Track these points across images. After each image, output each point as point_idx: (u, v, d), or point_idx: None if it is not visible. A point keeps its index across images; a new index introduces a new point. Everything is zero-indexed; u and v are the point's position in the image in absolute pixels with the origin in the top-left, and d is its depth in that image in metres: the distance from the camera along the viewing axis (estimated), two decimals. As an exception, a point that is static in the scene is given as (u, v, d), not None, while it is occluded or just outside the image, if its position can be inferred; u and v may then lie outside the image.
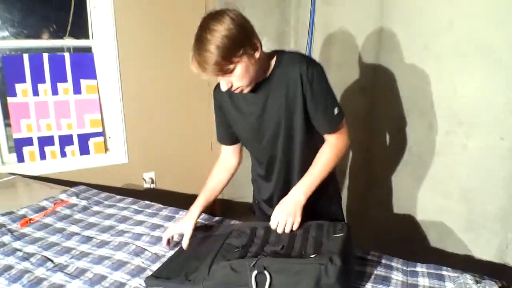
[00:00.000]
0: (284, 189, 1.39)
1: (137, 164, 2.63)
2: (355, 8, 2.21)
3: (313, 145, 1.37)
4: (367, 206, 2.29)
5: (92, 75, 2.42)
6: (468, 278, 1.12)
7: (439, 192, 1.92)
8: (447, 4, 1.75)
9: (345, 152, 1.40)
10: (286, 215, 1.26)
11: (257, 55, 1.19)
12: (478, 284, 1.09)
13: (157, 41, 2.52)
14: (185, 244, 1.35)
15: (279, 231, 1.26)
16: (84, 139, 2.47)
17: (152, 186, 2.72)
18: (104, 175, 2.49)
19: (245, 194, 2.79)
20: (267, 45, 2.63)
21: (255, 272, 1.07)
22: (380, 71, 2.10)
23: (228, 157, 1.53)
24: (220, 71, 1.15)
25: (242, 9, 2.37)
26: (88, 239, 1.46)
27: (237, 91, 1.24)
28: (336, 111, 1.30)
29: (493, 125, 1.67)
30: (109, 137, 2.55)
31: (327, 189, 1.45)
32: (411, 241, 2.04)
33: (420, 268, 1.24)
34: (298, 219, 1.27)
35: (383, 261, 1.27)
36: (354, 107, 2.20)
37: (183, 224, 1.39)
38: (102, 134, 2.51)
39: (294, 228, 1.26)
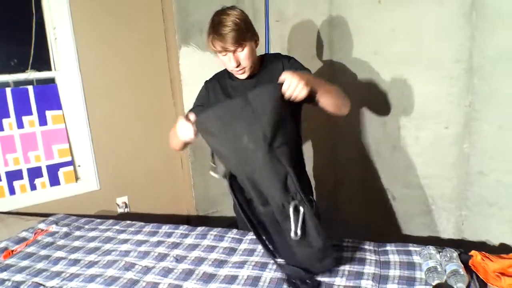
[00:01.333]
0: None
1: (109, 189, 2.64)
2: (306, 22, 2.40)
3: (295, 140, 1.49)
4: (335, 204, 2.44)
5: (57, 105, 2.43)
6: (431, 249, 1.27)
7: (399, 182, 2.09)
8: (388, 15, 1.96)
9: (342, 108, 1.52)
10: (297, 82, 1.21)
11: (258, 42, 1.50)
12: (440, 253, 1.24)
13: (121, 66, 2.58)
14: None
15: (289, 89, 1.21)
16: (53, 170, 2.46)
17: (126, 210, 2.73)
18: (76, 203, 2.48)
19: (219, 208, 2.87)
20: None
21: (295, 202, 1.17)
22: (335, 77, 2.28)
23: None
24: (237, 42, 1.38)
25: (200, 30, 2.50)
26: (76, 261, 1.49)
27: (240, 71, 1.45)
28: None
29: (438, 117, 1.87)
30: (79, 166, 2.56)
31: (297, 156, 1.56)
32: (380, 231, 2.20)
33: (390, 247, 1.38)
34: (304, 92, 1.22)
35: (357, 245, 1.40)
36: (316, 113, 2.36)
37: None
38: (71, 163, 2.51)
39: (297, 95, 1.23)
